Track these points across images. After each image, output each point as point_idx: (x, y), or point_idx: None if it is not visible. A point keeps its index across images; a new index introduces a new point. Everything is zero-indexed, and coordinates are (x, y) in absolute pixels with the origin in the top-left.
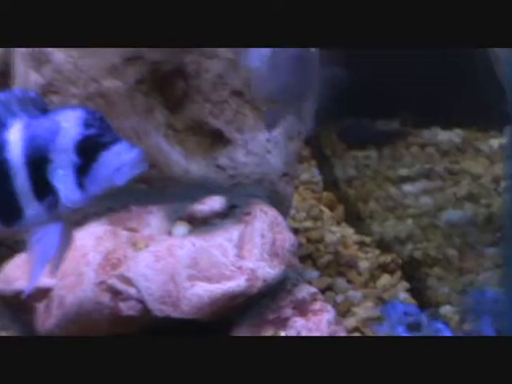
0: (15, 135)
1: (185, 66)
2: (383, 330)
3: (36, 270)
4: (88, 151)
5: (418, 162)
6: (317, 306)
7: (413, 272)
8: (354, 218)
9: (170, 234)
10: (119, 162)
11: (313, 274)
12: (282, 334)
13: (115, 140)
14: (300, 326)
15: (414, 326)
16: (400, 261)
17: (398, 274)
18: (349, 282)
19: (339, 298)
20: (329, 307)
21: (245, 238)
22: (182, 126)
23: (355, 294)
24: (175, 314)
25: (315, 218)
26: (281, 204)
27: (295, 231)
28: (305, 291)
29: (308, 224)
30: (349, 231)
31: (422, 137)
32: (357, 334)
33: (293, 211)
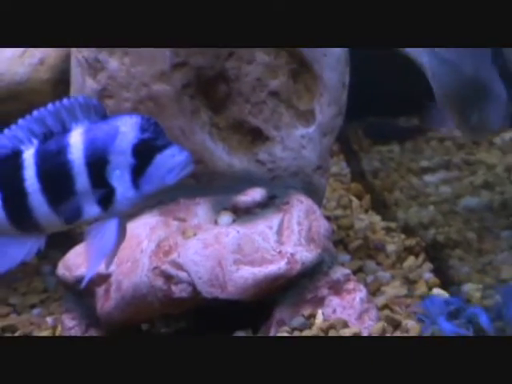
0: (77, 138)
1: (226, 71)
2: (427, 324)
3: (93, 263)
4: (143, 154)
5: (437, 155)
6: (350, 285)
7: (436, 254)
8: (381, 206)
9: (216, 223)
10: (171, 163)
11: (345, 257)
12: (320, 312)
13: (167, 144)
14: (335, 304)
15: (454, 313)
16: (424, 244)
17: (423, 255)
18: (378, 264)
19: (369, 279)
20: (361, 286)
21: (284, 225)
22: (224, 125)
23: (384, 274)
24: (222, 296)
25: (345, 207)
26: (315, 194)
27: (327, 219)
28: (339, 273)
29: (338, 212)
30: (376, 218)
31: (440, 132)
32: (386, 311)
33: (324, 201)
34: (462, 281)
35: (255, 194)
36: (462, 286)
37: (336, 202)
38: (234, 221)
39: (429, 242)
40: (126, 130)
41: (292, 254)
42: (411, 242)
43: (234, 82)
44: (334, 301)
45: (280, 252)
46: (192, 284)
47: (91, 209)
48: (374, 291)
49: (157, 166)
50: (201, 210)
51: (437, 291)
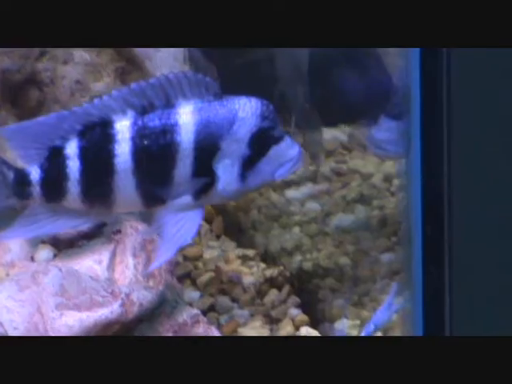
0: (187, 118)
1: (38, 74)
2: None
3: (165, 251)
4: (260, 145)
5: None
6: (200, 328)
7: (303, 285)
8: (235, 231)
9: (33, 259)
10: (285, 158)
11: (193, 294)
12: None
13: (283, 134)
14: None
15: None
16: (288, 274)
17: (287, 288)
18: (233, 300)
19: (223, 319)
20: (213, 329)
21: (116, 259)
22: None
23: (241, 312)
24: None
25: None
26: (153, 220)
27: None
28: (185, 313)
29: None
30: (230, 245)
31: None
32: None
33: None
34: (336, 316)
35: None
36: (335, 323)
37: None
38: (54, 256)
39: (294, 271)
40: (246, 116)
41: (127, 294)
42: (273, 271)
43: (49, 86)
44: None
45: (112, 292)
46: (5, 336)
47: (182, 197)
48: (229, 334)
49: (270, 159)
50: (14, 244)
51: (306, 330)
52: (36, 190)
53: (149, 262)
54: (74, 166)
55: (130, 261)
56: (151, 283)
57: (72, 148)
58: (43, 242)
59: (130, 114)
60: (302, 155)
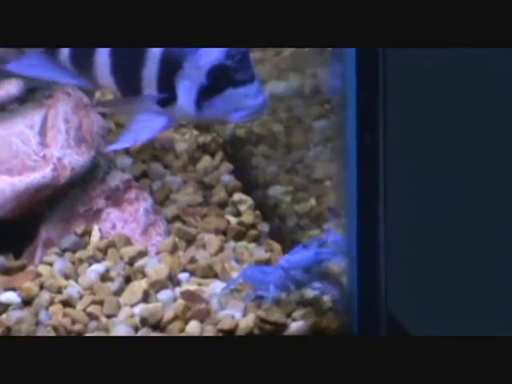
0: None
1: None
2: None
3: (126, 140)
4: (217, 80)
5: None
6: (132, 194)
7: (236, 151)
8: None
9: None
10: (240, 103)
11: (125, 160)
12: (96, 227)
13: (247, 81)
14: (115, 218)
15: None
16: (221, 140)
17: (220, 154)
18: (165, 166)
19: (156, 185)
20: (146, 195)
21: (48, 123)
22: None
23: (173, 179)
24: None
25: None
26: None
27: (102, 115)
28: (118, 179)
29: None
30: None
31: None
32: (178, 223)
33: (98, 94)
34: (269, 183)
35: (10, 87)
36: (268, 189)
37: (112, 94)
38: None
39: (227, 137)
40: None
41: (59, 159)
42: (206, 138)
43: None
44: (112, 214)
45: (44, 156)
46: None
47: (148, 99)
48: (161, 200)
49: (225, 98)
50: None
51: (239, 196)
52: None
53: (81, 127)
54: None
55: (62, 126)
56: (83, 148)
57: None
58: None
59: None
60: (263, 107)
